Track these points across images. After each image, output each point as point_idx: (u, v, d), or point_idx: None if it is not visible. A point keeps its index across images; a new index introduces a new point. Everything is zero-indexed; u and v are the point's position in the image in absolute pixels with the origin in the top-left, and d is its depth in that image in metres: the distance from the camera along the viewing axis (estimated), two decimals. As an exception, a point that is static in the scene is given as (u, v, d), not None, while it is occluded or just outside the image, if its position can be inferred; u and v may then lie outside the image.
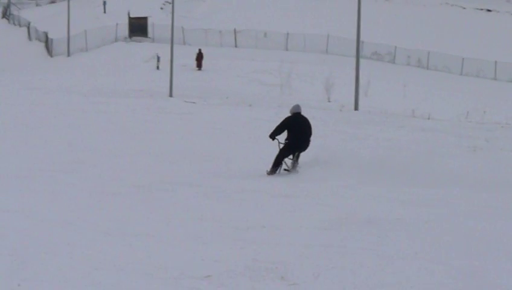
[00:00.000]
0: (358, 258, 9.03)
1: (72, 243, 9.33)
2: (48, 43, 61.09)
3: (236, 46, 58.52)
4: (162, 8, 69.83)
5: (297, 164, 16.38)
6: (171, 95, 40.98)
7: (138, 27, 60.94)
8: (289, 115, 16.74)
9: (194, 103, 36.84)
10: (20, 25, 70.70)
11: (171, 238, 9.98)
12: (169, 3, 57.57)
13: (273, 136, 16.38)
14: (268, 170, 16.14)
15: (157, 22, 59.38)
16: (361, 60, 37.81)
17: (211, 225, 10.89)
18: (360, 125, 28.52)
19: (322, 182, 14.96)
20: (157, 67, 50.80)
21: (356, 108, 35.48)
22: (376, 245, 9.76)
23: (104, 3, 69.47)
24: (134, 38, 60.30)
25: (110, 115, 30.44)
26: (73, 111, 31.02)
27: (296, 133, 16.23)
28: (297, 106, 16.81)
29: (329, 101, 41.59)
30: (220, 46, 57.53)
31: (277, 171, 16.23)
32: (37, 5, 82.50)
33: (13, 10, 75.97)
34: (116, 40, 59.67)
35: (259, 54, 55.45)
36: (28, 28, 67.00)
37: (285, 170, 16.36)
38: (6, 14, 76.39)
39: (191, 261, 8.81)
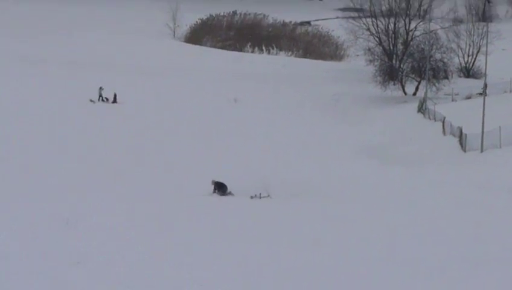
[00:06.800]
0: None
1: None
2: (461, 138, 61.33)
3: None
4: None
5: None
6: None
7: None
8: None
9: None
10: (435, 120, 72.06)
11: None
12: None
13: None
14: None
15: None
16: None
17: None
18: None
19: None
20: None
21: None
22: None
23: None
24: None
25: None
26: (479, 209, 31.04)
27: None
28: None
29: None
30: None
31: None
32: (452, 100, 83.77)
33: (429, 105, 77.85)
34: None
35: None
36: (443, 122, 67.97)
37: None
38: (421, 109, 78.62)
39: None
